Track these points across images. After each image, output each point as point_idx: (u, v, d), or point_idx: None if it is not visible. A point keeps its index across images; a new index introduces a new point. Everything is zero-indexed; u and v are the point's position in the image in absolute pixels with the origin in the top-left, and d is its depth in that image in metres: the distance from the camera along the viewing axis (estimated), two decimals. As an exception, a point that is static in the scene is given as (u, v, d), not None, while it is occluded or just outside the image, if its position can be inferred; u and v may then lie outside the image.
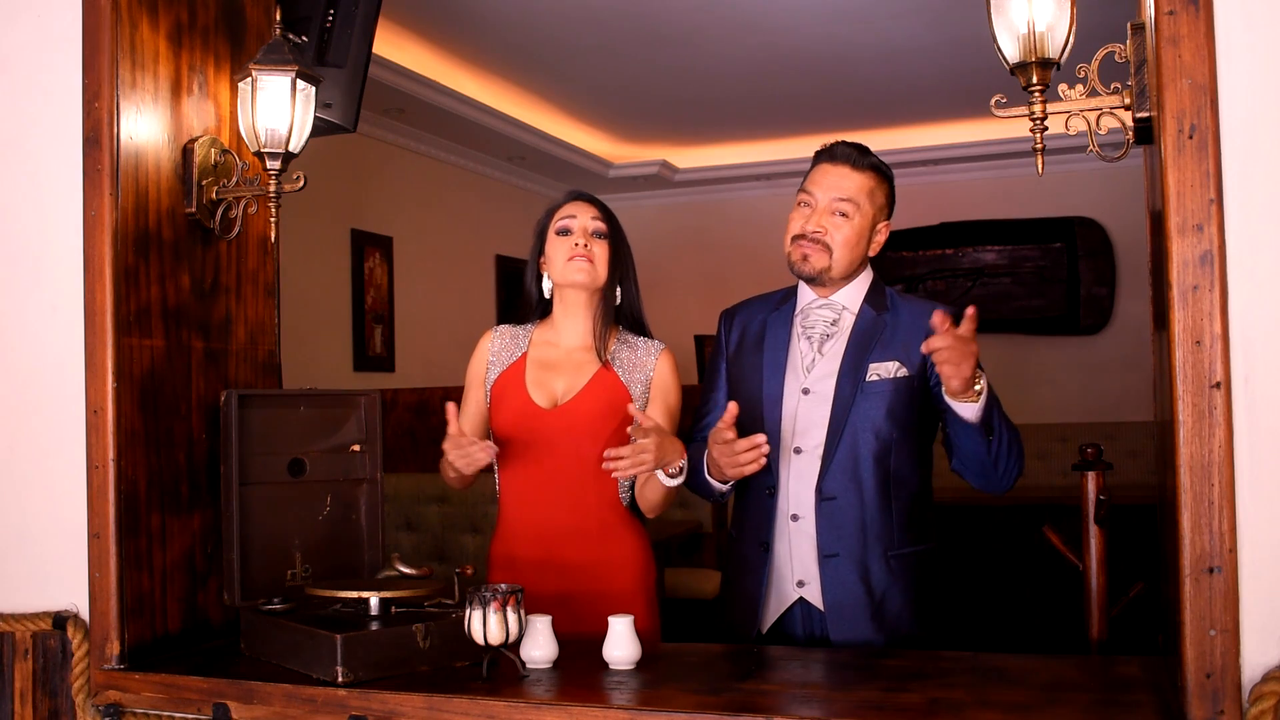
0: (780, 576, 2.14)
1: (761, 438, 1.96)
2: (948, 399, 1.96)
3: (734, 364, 2.29)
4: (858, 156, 2.16)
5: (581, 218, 2.32)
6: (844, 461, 2.09)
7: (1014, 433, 2.04)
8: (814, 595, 2.10)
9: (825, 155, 2.19)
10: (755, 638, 2.15)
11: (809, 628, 2.12)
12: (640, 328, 2.39)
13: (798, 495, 2.12)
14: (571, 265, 2.29)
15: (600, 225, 2.32)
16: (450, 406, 2.16)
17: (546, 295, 2.38)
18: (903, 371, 2.11)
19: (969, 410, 1.96)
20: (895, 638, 2.08)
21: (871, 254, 2.19)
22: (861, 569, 2.08)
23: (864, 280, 2.21)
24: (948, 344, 1.83)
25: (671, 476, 2.13)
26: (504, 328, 2.41)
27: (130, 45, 2.02)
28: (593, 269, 2.29)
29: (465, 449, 2.12)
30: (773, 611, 2.15)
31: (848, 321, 2.17)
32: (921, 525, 2.15)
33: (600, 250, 2.31)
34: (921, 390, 2.12)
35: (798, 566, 2.12)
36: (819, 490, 2.09)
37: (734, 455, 1.98)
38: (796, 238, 2.16)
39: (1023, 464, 2.06)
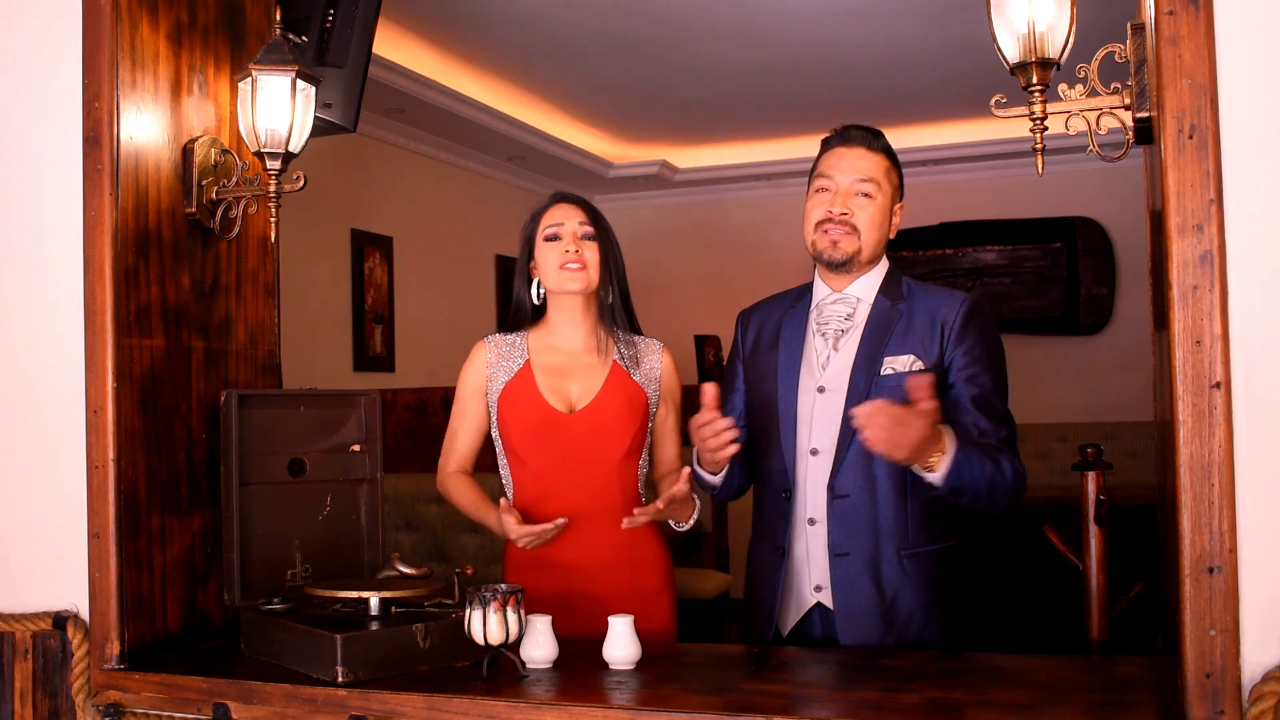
0: (798, 581, 2.11)
1: (727, 421, 1.96)
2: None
3: (750, 365, 2.26)
4: (871, 139, 2.15)
5: (569, 223, 2.32)
6: (857, 459, 2.04)
7: (993, 477, 1.92)
8: (829, 599, 2.07)
9: (839, 139, 2.16)
10: (773, 641, 2.12)
11: (826, 630, 2.09)
12: (633, 325, 2.41)
13: (814, 498, 2.09)
14: (565, 274, 2.29)
15: (589, 228, 2.32)
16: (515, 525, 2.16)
17: (538, 302, 2.39)
18: (918, 365, 2.04)
19: (932, 476, 1.89)
20: (904, 640, 2.04)
21: (890, 236, 2.16)
22: (873, 569, 2.04)
23: (880, 270, 2.16)
24: (872, 428, 1.78)
25: (677, 526, 2.29)
26: (495, 337, 2.39)
27: (130, 45, 2.02)
28: (586, 274, 2.30)
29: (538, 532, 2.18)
30: (792, 616, 2.12)
31: (863, 314, 2.12)
32: (941, 522, 2.09)
33: (591, 253, 2.31)
34: (941, 386, 2.04)
35: (815, 571, 2.09)
36: (831, 488, 2.06)
37: (703, 442, 1.98)
38: (821, 223, 2.11)
39: (1012, 496, 1.97)
